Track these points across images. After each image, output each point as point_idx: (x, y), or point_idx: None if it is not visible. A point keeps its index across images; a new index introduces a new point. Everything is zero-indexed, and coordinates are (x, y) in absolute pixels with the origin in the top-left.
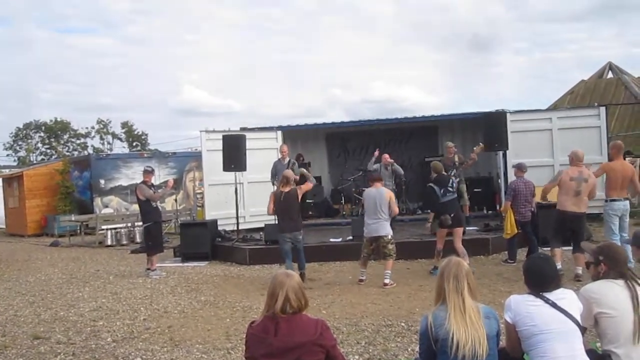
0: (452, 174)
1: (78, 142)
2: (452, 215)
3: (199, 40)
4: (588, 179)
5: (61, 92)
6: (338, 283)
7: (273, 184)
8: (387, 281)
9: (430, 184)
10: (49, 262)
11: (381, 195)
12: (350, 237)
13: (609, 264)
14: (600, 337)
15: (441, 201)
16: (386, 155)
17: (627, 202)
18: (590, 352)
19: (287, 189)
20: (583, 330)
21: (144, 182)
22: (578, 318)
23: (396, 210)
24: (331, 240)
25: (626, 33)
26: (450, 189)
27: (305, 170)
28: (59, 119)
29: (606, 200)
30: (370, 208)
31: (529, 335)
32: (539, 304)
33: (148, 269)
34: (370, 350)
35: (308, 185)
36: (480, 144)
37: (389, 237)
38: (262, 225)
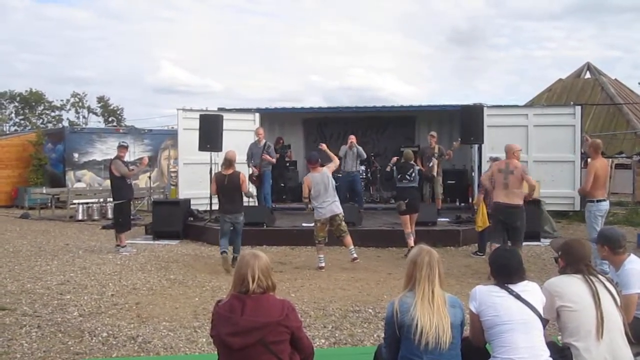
0: (431, 164)
1: (53, 114)
2: (406, 201)
3: (178, 18)
4: (514, 170)
5: (36, 63)
6: (308, 267)
7: (248, 166)
8: (354, 255)
9: (393, 166)
10: (18, 234)
11: (328, 177)
12: (313, 224)
13: (565, 260)
14: (561, 330)
15: (397, 185)
16: (352, 137)
17: (608, 202)
18: (550, 344)
19: (229, 172)
20: (545, 322)
21: (118, 158)
22: (540, 310)
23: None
24: (303, 224)
25: (604, 35)
26: (408, 177)
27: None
28: (33, 90)
29: (592, 201)
30: (320, 191)
31: (491, 325)
32: (503, 295)
33: (118, 245)
34: (337, 335)
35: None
36: (455, 142)
37: (342, 214)
38: None
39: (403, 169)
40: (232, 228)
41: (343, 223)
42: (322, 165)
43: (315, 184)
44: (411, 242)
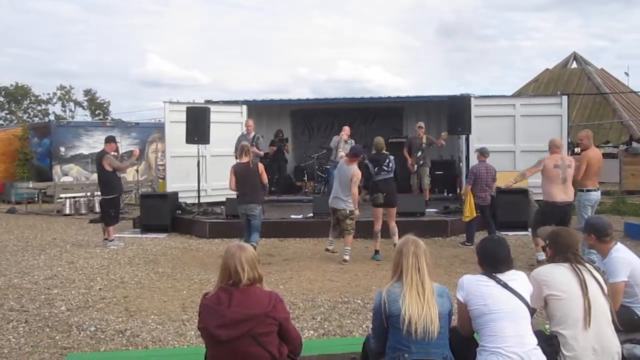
0: (419, 154)
1: (39, 108)
2: (385, 194)
3: (165, 11)
4: (571, 164)
5: (21, 57)
6: (297, 259)
7: (236, 158)
8: (346, 257)
9: (366, 161)
10: (4, 228)
11: (345, 175)
12: (311, 214)
13: (553, 249)
14: (549, 319)
15: (374, 179)
16: (346, 129)
17: (599, 192)
18: (538, 333)
19: (247, 160)
20: (532, 311)
21: (107, 152)
22: (528, 299)
23: (355, 192)
24: (292, 216)
25: (590, 25)
26: (386, 168)
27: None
28: (19, 84)
29: (582, 190)
30: (335, 183)
31: (479, 314)
32: (490, 284)
33: (106, 239)
34: (326, 326)
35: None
36: (443, 132)
37: (347, 211)
38: (223, 199)
39: (379, 161)
40: (247, 221)
41: (348, 221)
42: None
43: (337, 171)
44: (378, 244)
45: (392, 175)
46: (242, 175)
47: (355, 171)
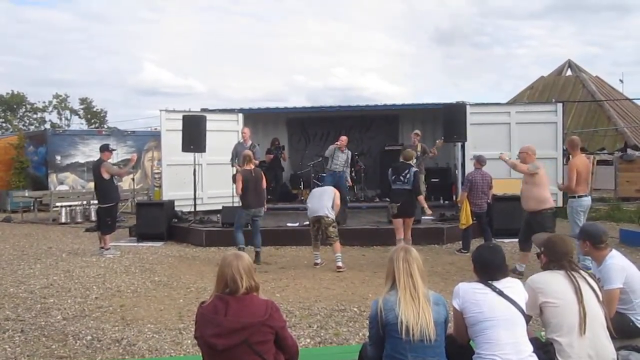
0: (413, 162)
1: (35, 116)
2: (399, 204)
3: (161, 19)
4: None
5: (17, 65)
6: (293, 267)
7: (232, 166)
8: (339, 264)
9: (389, 170)
10: (0, 237)
11: (326, 193)
12: (307, 222)
13: (548, 256)
14: (545, 326)
15: (392, 188)
16: (344, 138)
17: (590, 197)
18: (534, 340)
19: (252, 167)
20: (528, 318)
21: (104, 160)
22: (523, 307)
23: (338, 203)
24: (288, 224)
25: (584, 32)
26: (402, 178)
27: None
28: (15, 92)
29: (573, 197)
30: (314, 198)
31: (475, 322)
32: (486, 291)
33: (102, 247)
34: (322, 334)
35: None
36: (438, 140)
37: (330, 218)
38: (219, 207)
39: (398, 170)
40: (253, 222)
41: (331, 228)
42: None
43: (313, 192)
44: None
45: (407, 187)
46: (251, 181)
47: (335, 190)
